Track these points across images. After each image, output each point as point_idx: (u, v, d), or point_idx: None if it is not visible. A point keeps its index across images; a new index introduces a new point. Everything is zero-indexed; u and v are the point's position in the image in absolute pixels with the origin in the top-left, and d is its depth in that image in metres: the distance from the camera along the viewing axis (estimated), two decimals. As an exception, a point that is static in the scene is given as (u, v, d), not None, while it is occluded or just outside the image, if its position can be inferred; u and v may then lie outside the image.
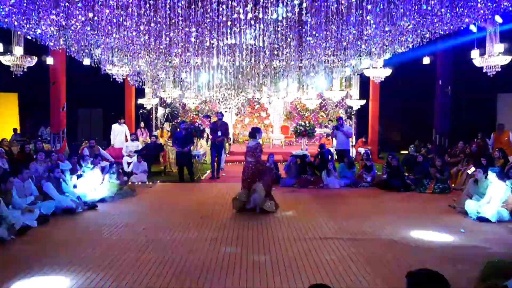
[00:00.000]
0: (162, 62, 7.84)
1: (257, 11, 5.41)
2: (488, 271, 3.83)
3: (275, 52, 6.83)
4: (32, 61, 9.06)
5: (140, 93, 14.11)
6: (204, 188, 9.10)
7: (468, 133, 11.78)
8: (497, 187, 6.15)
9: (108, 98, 15.15)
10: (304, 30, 6.00)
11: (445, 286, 2.11)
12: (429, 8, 5.46)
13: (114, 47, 7.01)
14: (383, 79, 10.80)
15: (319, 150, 10.50)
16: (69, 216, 6.46)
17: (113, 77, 9.16)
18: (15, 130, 14.61)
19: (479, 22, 6.79)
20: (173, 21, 5.58)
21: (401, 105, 15.27)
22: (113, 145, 12.18)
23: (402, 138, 15.24)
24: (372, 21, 5.65)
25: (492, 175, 6.28)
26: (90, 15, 5.57)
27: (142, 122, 13.90)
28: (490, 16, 5.99)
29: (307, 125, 14.52)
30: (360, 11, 5.54)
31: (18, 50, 8.79)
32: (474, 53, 8.58)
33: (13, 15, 5.83)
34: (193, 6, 5.41)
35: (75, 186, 7.41)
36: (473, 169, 8.31)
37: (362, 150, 12.21)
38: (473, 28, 8.39)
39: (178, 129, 10.21)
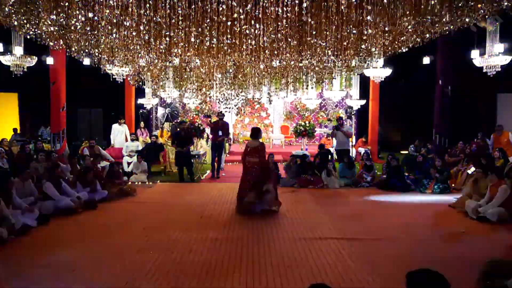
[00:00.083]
0: (162, 62, 7.84)
1: (257, 10, 5.41)
2: (488, 271, 3.83)
3: (275, 52, 6.82)
4: (32, 61, 9.06)
5: (140, 93, 14.10)
6: (204, 188, 9.10)
7: (468, 133, 11.79)
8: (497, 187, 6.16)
9: (108, 98, 15.15)
10: (304, 30, 6.00)
11: (445, 286, 2.11)
12: (429, 8, 5.46)
13: (114, 47, 7.00)
14: (383, 79, 10.80)
15: (318, 150, 10.50)
16: (69, 216, 6.46)
17: (113, 77, 9.16)
18: (15, 130, 14.61)
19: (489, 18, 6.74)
20: (173, 20, 5.58)
21: (401, 105, 15.27)
22: (113, 145, 12.19)
23: (402, 138, 15.24)
24: (372, 21, 5.65)
25: (492, 175, 6.29)
26: (90, 15, 5.57)
27: (142, 122, 13.89)
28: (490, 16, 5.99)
29: (307, 125, 14.52)
30: (360, 11, 5.53)
31: (18, 50, 8.80)
32: (474, 53, 8.59)
33: (13, 15, 5.83)
34: (193, 6, 5.41)
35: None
36: (473, 169, 8.32)
37: (362, 150, 12.22)
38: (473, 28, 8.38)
39: (178, 129, 10.22)
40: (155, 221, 6.21)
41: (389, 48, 7.26)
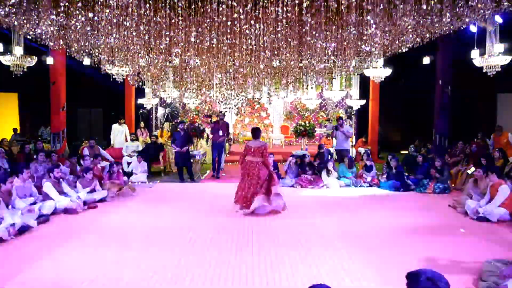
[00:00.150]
0: (162, 62, 7.84)
1: (257, 10, 5.42)
2: (487, 271, 3.83)
3: (275, 52, 6.83)
4: (32, 61, 9.06)
5: (140, 93, 14.10)
6: (204, 188, 9.09)
7: (468, 133, 11.77)
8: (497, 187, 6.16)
9: (108, 98, 15.14)
10: (304, 30, 6.01)
11: (445, 286, 2.11)
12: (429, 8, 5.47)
13: (114, 47, 7.00)
14: (383, 79, 10.79)
15: (318, 150, 10.50)
16: (69, 216, 6.46)
17: (113, 77, 9.16)
18: (15, 130, 14.61)
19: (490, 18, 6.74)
20: (173, 21, 5.59)
21: (401, 105, 15.26)
22: (113, 145, 12.19)
23: (402, 138, 15.24)
24: (372, 21, 5.65)
25: (492, 175, 6.29)
26: (90, 15, 5.58)
27: (142, 122, 13.89)
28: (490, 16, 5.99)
29: (307, 125, 14.52)
30: (360, 11, 5.54)
31: (18, 50, 8.79)
32: (474, 53, 8.58)
33: (13, 15, 5.84)
34: (193, 6, 5.42)
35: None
36: (473, 169, 8.31)
37: (362, 150, 12.21)
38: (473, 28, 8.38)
39: (178, 129, 10.22)
40: (155, 221, 6.20)
41: (389, 48, 7.26)
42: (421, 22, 6.05)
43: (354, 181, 9.20)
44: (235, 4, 5.28)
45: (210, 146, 10.84)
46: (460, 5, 5.46)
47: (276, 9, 5.34)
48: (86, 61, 8.93)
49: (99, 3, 5.35)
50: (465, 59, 9.02)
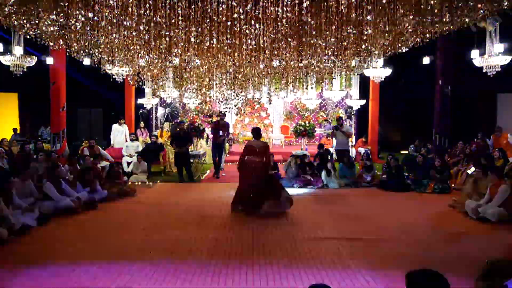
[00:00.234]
0: (162, 62, 7.83)
1: (257, 10, 5.41)
2: (487, 270, 3.82)
3: (275, 52, 6.82)
4: (32, 61, 9.05)
5: (140, 93, 14.10)
6: (204, 188, 9.10)
7: (468, 133, 11.77)
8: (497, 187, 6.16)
9: (108, 98, 15.13)
10: (304, 30, 6.00)
11: (445, 286, 2.11)
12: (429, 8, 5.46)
13: (114, 47, 6.99)
14: (383, 79, 10.80)
15: (318, 150, 10.50)
16: (69, 216, 6.46)
17: (113, 77, 9.15)
18: (15, 130, 14.61)
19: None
20: (173, 20, 5.58)
21: (401, 105, 15.26)
22: (113, 145, 12.19)
23: (402, 138, 15.24)
24: (372, 21, 5.65)
25: (492, 175, 6.29)
26: (90, 15, 5.57)
27: (142, 122, 13.89)
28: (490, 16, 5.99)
29: (307, 125, 14.51)
30: (360, 11, 5.53)
31: (18, 50, 8.79)
32: (474, 53, 8.58)
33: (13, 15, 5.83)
34: (193, 6, 5.41)
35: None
36: (473, 169, 8.32)
37: (362, 150, 12.22)
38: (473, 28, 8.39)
39: (177, 129, 10.22)
40: (155, 221, 6.21)
41: (389, 48, 7.26)
42: (421, 22, 6.04)
43: (354, 181, 9.20)
44: (235, 4, 5.28)
45: (210, 146, 10.84)
46: (460, 5, 5.46)
47: (276, 9, 5.34)
48: (86, 61, 8.91)
49: (99, 3, 5.35)
50: (465, 59, 9.03)
